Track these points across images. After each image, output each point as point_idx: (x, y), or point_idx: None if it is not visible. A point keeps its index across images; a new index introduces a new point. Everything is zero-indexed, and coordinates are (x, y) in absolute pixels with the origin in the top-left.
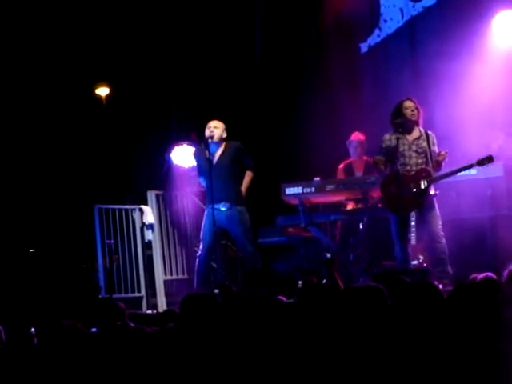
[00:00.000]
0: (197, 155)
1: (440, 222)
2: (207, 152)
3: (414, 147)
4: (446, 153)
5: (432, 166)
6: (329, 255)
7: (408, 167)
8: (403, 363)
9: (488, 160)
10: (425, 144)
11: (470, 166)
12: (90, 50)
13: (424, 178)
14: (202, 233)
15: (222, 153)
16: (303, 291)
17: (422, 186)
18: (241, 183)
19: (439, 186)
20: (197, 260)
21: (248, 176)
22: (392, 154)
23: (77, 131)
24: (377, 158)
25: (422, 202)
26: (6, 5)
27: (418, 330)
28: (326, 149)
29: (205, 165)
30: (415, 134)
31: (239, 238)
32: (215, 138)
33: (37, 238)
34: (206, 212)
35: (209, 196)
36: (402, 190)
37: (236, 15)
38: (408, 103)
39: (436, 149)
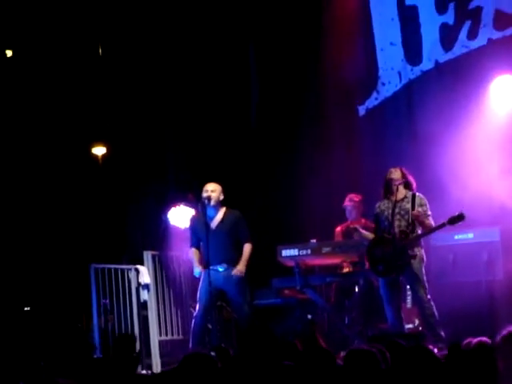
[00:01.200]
0: (195, 219)
1: (423, 287)
2: (204, 215)
3: (396, 209)
4: (419, 212)
5: (420, 228)
6: (310, 316)
7: (391, 230)
8: None
9: (459, 218)
10: (408, 206)
11: (442, 226)
12: (87, 109)
13: (401, 240)
14: (198, 294)
15: (222, 220)
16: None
17: (401, 247)
18: (238, 247)
19: (437, 249)
20: (193, 321)
21: (247, 248)
22: (379, 220)
23: (73, 190)
24: (355, 227)
25: (402, 265)
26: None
27: None
28: (323, 210)
29: (202, 228)
30: (399, 195)
31: (235, 299)
32: (212, 202)
33: (32, 296)
34: (202, 273)
35: (206, 258)
36: (384, 254)
37: (233, 76)
38: (390, 168)
39: (422, 209)
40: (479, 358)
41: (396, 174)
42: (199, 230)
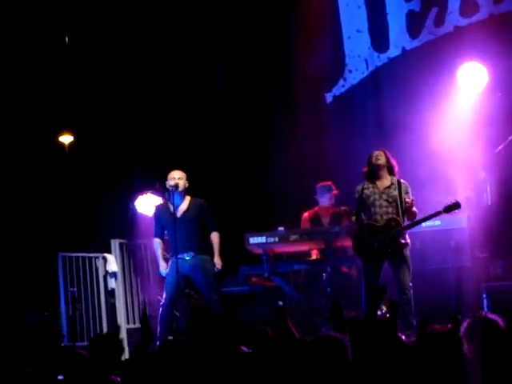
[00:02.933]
0: (160, 208)
1: (409, 274)
2: (171, 204)
3: (384, 196)
4: (412, 200)
5: (406, 215)
6: (281, 303)
7: (378, 217)
8: None
9: (455, 206)
10: (396, 193)
11: (438, 214)
12: (53, 97)
13: (393, 228)
14: (165, 282)
15: (187, 209)
16: (259, 341)
17: (393, 236)
18: (204, 235)
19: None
20: (160, 309)
21: (216, 238)
22: (364, 204)
23: (40, 179)
24: (342, 210)
25: (392, 253)
26: None
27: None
28: (290, 198)
29: (168, 217)
30: (386, 182)
31: (203, 287)
32: (180, 188)
33: None
34: (169, 262)
35: (172, 247)
36: (372, 240)
37: (200, 64)
38: (374, 152)
39: (408, 197)
40: (445, 343)
41: (382, 159)
42: (165, 219)
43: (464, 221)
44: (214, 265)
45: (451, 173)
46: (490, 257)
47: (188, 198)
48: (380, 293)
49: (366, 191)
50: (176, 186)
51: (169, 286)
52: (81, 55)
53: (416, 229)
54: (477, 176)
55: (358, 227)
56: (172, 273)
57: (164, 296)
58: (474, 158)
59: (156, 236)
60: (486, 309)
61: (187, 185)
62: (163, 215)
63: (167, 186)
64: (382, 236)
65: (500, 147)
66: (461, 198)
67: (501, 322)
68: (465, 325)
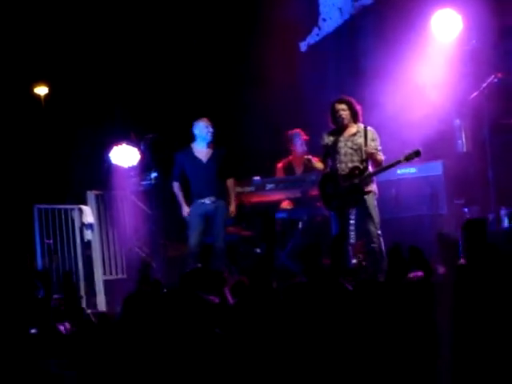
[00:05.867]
0: (184, 153)
1: (377, 221)
2: (196, 150)
3: (349, 144)
4: (376, 147)
5: (371, 163)
6: (258, 250)
7: (343, 164)
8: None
9: (415, 154)
10: (361, 140)
11: (398, 162)
12: (28, 48)
13: (357, 176)
14: (190, 223)
15: (211, 156)
16: (234, 292)
17: (355, 184)
18: (223, 181)
19: (379, 184)
20: (190, 250)
21: (232, 184)
22: (329, 152)
23: (15, 131)
24: (308, 158)
25: (357, 200)
26: None
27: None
28: (265, 147)
29: (193, 162)
30: (352, 130)
31: (217, 227)
32: (210, 137)
33: None
34: (192, 205)
35: (196, 190)
36: (338, 188)
37: (174, 16)
38: (337, 105)
39: (374, 144)
40: (419, 291)
41: (344, 113)
42: (189, 164)
43: (439, 168)
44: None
45: (426, 120)
46: (465, 204)
47: (212, 145)
48: (340, 241)
49: (331, 138)
50: (212, 134)
51: (196, 225)
52: (56, 4)
53: (391, 176)
54: (452, 123)
55: (322, 175)
56: (197, 213)
57: (192, 236)
58: (449, 105)
59: (175, 180)
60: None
61: (213, 132)
62: (187, 160)
63: (198, 132)
64: (345, 184)
65: (474, 94)
66: (437, 143)
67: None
68: (440, 272)
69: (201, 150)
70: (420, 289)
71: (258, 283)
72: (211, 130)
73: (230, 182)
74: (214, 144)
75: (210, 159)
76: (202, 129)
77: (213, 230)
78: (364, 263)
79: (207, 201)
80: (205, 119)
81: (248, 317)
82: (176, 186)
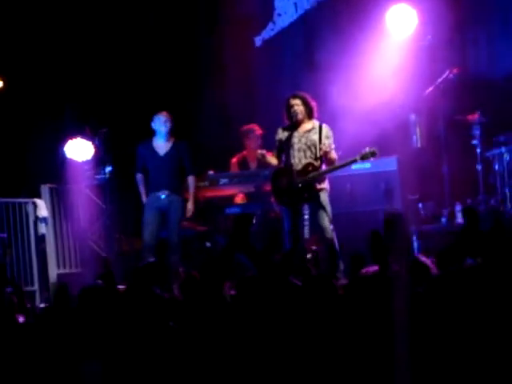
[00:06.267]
0: (144, 145)
1: (329, 217)
2: (156, 143)
3: (303, 140)
4: (330, 145)
5: (324, 161)
6: (208, 244)
7: (297, 160)
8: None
9: (371, 154)
10: (315, 137)
11: (354, 161)
12: None
13: (309, 172)
14: (144, 219)
15: (170, 149)
16: (184, 285)
17: (308, 181)
18: (180, 175)
19: (334, 179)
20: (144, 247)
21: (192, 181)
22: (283, 147)
23: None
24: (261, 153)
25: (308, 197)
26: None
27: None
28: (219, 142)
29: (151, 155)
30: (307, 126)
31: (173, 224)
32: (167, 129)
33: None
34: (147, 200)
35: (152, 184)
36: (291, 184)
37: (129, 8)
38: (291, 101)
39: (328, 142)
40: (376, 285)
41: (299, 109)
42: (148, 156)
43: (394, 163)
44: (185, 208)
45: (381, 115)
46: (420, 199)
47: (172, 139)
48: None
49: (285, 133)
50: (166, 127)
51: (150, 221)
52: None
53: (346, 171)
54: (407, 118)
55: (275, 170)
56: (150, 208)
57: (145, 232)
58: (404, 100)
59: (138, 171)
60: (416, 251)
61: (173, 125)
62: (147, 152)
63: (156, 127)
64: (298, 180)
65: (429, 90)
66: (392, 139)
67: (431, 264)
68: (394, 268)
69: (160, 143)
70: (375, 283)
71: (209, 278)
72: (169, 124)
73: (190, 179)
74: (174, 138)
75: (168, 153)
76: (159, 123)
77: (167, 224)
78: (317, 257)
79: (161, 194)
80: (164, 113)
81: (197, 311)
82: (138, 177)
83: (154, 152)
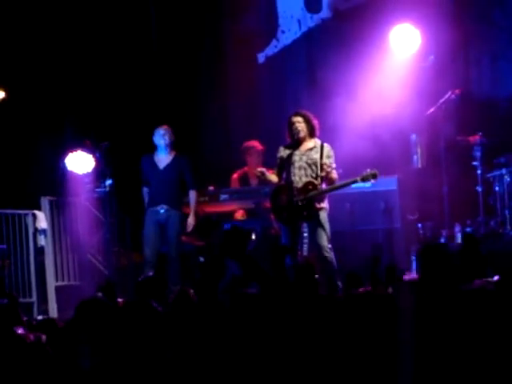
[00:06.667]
0: (145, 159)
1: (329, 235)
2: (156, 157)
3: (304, 158)
4: (331, 165)
5: (324, 180)
6: (202, 259)
7: (297, 178)
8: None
9: (372, 176)
10: (316, 156)
11: (354, 181)
12: None
13: (309, 191)
14: (145, 235)
15: (170, 163)
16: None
17: (308, 199)
18: (181, 191)
19: (334, 197)
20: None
21: (193, 196)
22: (284, 165)
23: None
24: (260, 170)
25: (308, 215)
26: None
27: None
28: (220, 157)
29: (151, 169)
30: (309, 145)
31: (171, 239)
32: (166, 142)
33: None
34: (146, 214)
35: (151, 198)
36: (290, 201)
37: (132, 26)
38: (293, 118)
39: (329, 161)
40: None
41: (301, 128)
42: (148, 170)
43: (394, 183)
44: (184, 223)
45: (382, 134)
46: (419, 219)
47: (173, 153)
48: (283, 252)
49: (287, 151)
50: (165, 141)
51: (148, 236)
52: (12, 10)
53: (346, 190)
54: (408, 138)
55: (275, 187)
56: (149, 223)
57: (146, 250)
58: (405, 120)
59: (143, 184)
60: (414, 271)
61: (173, 139)
62: (148, 166)
63: (156, 140)
64: (298, 198)
65: (431, 110)
66: (392, 159)
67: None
68: (390, 289)
69: (161, 157)
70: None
71: (203, 293)
72: (168, 137)
73: (191, 194)
74: (175, 152)
75: (168, 167)
76: (158, 136)
77: (166, 239)
78: (316, 276)
79: (160, 209)
80: (164, 127)
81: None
82: (144, 191)
83: (154, 165)
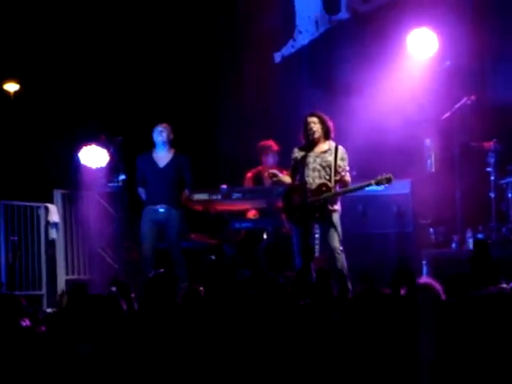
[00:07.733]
0: (143, 158)
1: (339, 238)
2: (155, 155)
3: (318, 160)
4: (345, 168)
5: (338, 182)
6: (213, 257)
7: (311, 179)
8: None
9: (387, 180)
10: (331, 158)
11: (368, 185)
12: None
13: (323, 193)
14: (141, 232)
15: (169, 162)
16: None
17: (321, 201)
18: (180, 190)
19: (346, 200)
20: (143, 262)
21: (185, 195)
22: (298, 166)
23: None
24: (273, 172)
25: (320, 217)
26: None
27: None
28: (234, 156)
29: (150, 167)
30: (323, 147)
31: (172, 239)
32: (164, 140)
33: None
34: (144, 212)
35: (150, 196)
36: (303, 202)
37: (148, 24)
38: (309, 119)
39: (343, 164)
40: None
41: (316, 129)
42: (147, 169)
43: (407, 187)
44: (184, 221)
45: (396, 138)
46: (431, 223)
47: (172, 151)
48: (308, 252)
49: (301, 153)
50: (163, 138)
51: (145, 235)
52: (27, 2)
53: (359, 193)
54: (422, 142)
55: (289, 187)
56: (146, 221)
57: (144, 248)
58: (420, 124)
59: (139, 185)
60: (425, 276)
61: (172, 137)
62: (146, 164)
63: (154, 137)
64: (311, 199)
65: (446, 115)
66: (406, 162)
67: (439, 289)
68: (402, 292)
69: (160, 155)
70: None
71: (213, 290)
72: (165, 135)
73: (186, 193)
74: (175, 150)
75: (167, 165)
76: (156, 133)
77: (167, 239)
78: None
79: (159, 208)
80: (163, 124)
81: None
82: (140, 191)
83: (153, 164)
